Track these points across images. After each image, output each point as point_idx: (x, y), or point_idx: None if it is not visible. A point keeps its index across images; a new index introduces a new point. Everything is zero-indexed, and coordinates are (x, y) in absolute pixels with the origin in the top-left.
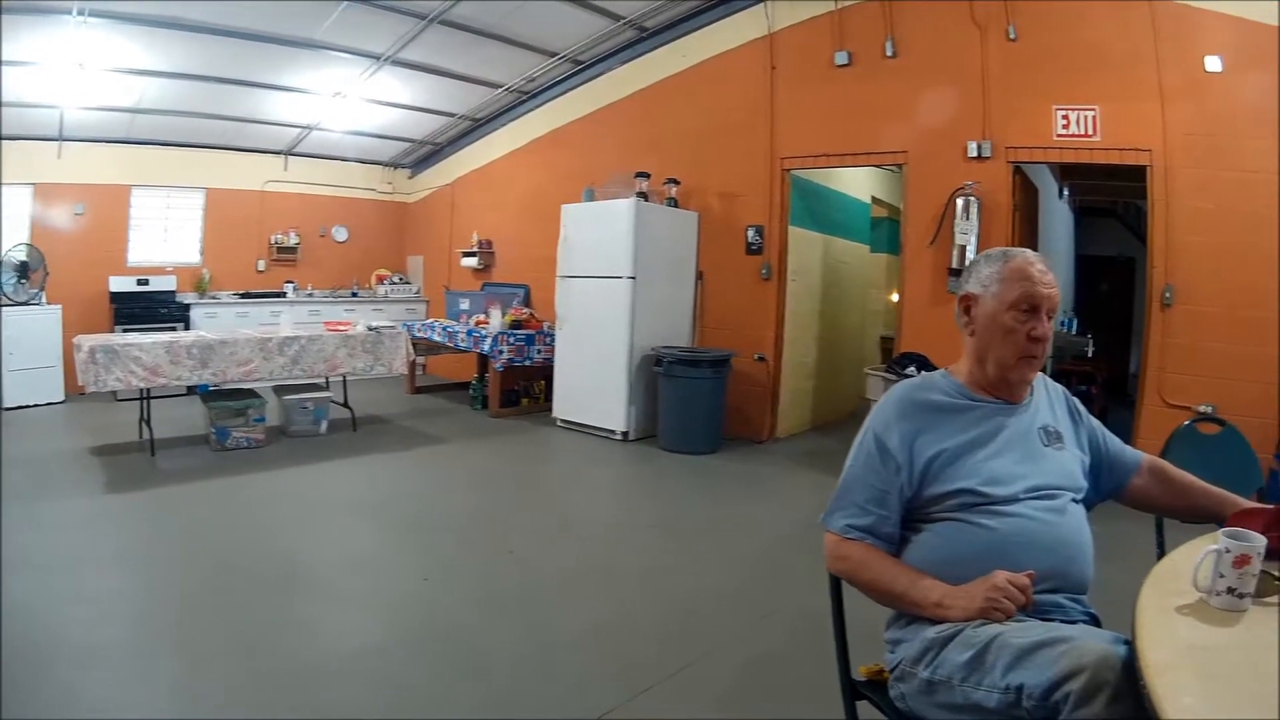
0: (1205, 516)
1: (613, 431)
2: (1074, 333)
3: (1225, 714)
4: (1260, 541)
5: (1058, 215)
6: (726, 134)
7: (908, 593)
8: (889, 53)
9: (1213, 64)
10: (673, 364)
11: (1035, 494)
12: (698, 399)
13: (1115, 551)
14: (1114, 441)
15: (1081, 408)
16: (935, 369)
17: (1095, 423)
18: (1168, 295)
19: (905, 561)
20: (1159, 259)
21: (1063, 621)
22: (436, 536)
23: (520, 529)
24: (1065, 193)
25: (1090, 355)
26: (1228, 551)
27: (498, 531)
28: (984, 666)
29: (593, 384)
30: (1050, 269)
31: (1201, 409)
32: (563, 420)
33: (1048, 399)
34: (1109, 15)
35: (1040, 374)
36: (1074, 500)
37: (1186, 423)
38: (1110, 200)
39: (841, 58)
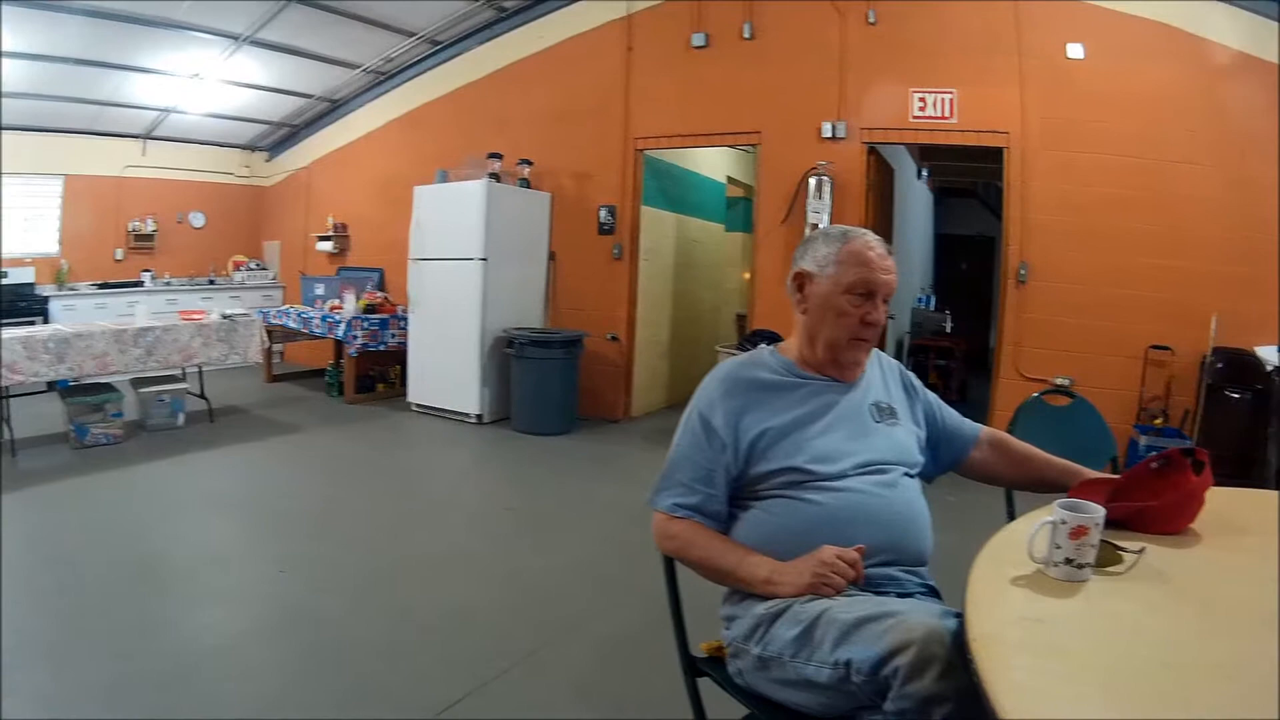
0: (1049, 487)
1: (467, 415)
2: (932, 309)
3: (1051, 685)
4: (1098, 513)
5: (916, 195)
6: (581, 115)
7: (737, 570)
8: (747, 35)
9: (1074, 51)
10: (524, 345)
11: (865, 469)
12: (550, 380)
13: (967, 522)
14: (951, 415)
15: (917, 382)
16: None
17: (931, 397)
18: (1023, 272)
19: (735, 539)
20: (1014, 237)
21: (898, 595)
22: (292, 527)
23: (373, 515)
24: (924, 173)
25: (949, 331)
26: (1063, 523)
27: (351, 519)
28: (813, 642)
29: (446, 367)
30: (890, 253)
31: (1059, 381)
32: (418, 405)
33: (881, 375)
34: (973, 4)
35: (875, 349)
36: (907, 474)
37: (1034, 395)
38: (971, 181)
39: (699, 39)
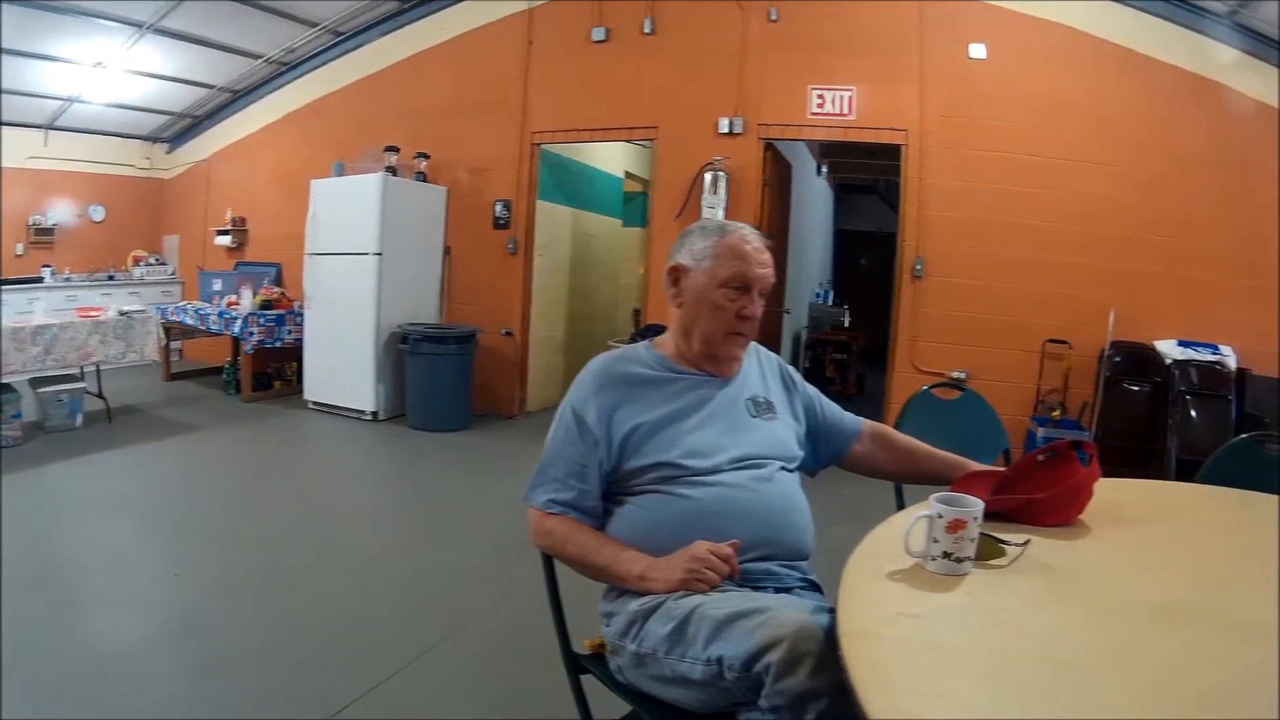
0: (934, 480)
1: (363, 412)
2: (830, 304)
3: (923, 681)
4: (976, 506)
5: (815, 191)
6: (480, 108)
7: (611, 566)
8: (648, 30)
9: (977, 51)
10: (418, 341)
11: (740, 464)
12: (445, 376)
13: (865, 515)
14: (832, 409)
15: (797, 377)
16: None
17: (812, 391)
18: (918, 267)
19: (610, 534)
20: (910, 233)
21: (776, 590)
22: (188, 529)
23: (268, 516)
24: (823, 170)
25: (847, 325)
26: (940, 517)
27: (247, 520)
28: (686, 638)
29: (342, 364)
30: (769, 247)
31: (955, 375)
32: (314, 402)
33: (759, 369)
34: (877, 3)
35: (754, 344)
36: (784, 469)
37: (923, 388)
38: (872, 178)
39: (599, 34)
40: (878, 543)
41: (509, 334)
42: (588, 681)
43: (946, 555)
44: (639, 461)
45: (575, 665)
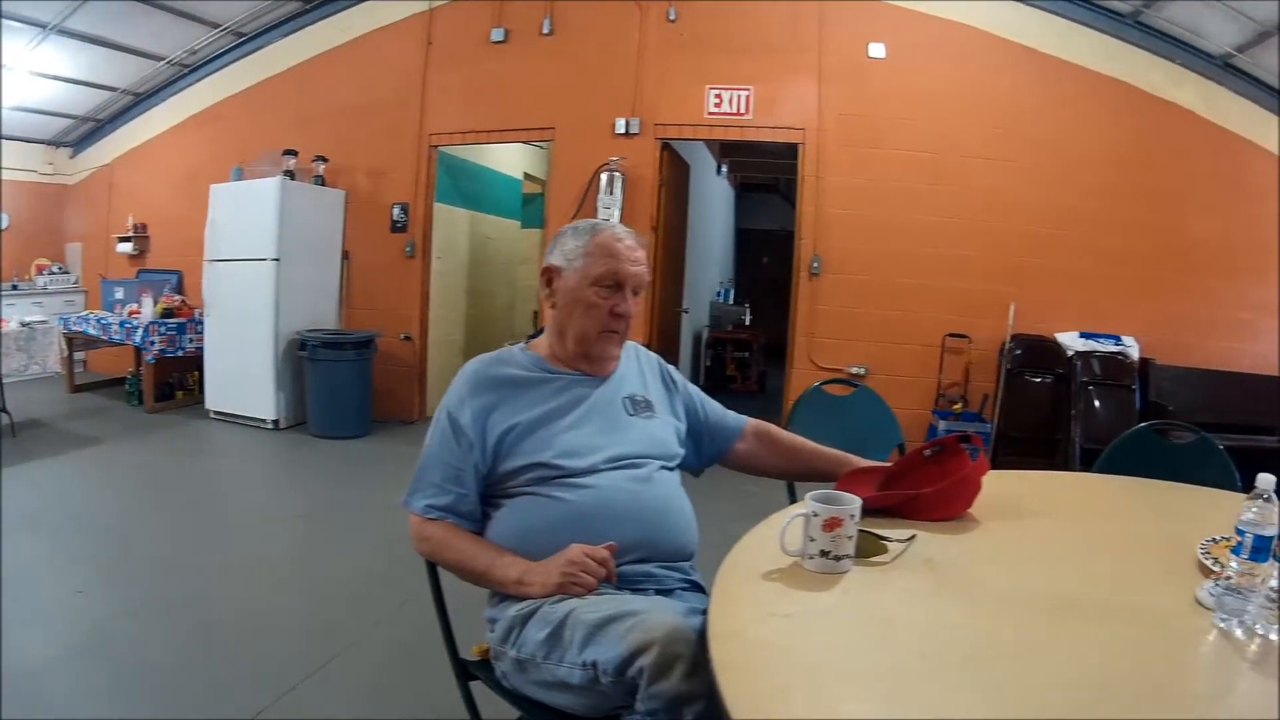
0: (819, 477)
1: (264, 420)
2: (731, 303)
3: (792, 682)
4: (853, 503)
5: (715, 191)
6: (378, 110)
7: (490, 571)
8: (546, 30)
9: (876, 50)
10: (317, 348)
11: (616, 464)
12: (344, 382)
13: (767, 513)
14: (714, 407)
15: (677, 375)
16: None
17: (693, 389)
18: (816, 265)
19: (489, 538)
20: (807, 230)
21: (657, 591)
22: (92, 544)
23: (171, 529)
24: (723, 169)
25: (748, 323)
26: (815, 515)
27: (149, 534)
28: (562, 643)
29: (242, 372)
30: (640, 245)
31: (853, 370)
32: (216, 412)
33: (638, 368)
34: (776, 3)
35: (633, 343)
36: (664, 468)
37: (814, 385)
38: (773, 177)
39: (498, 34)
40: (756, 542)
41: (408, 338)
42: (483, 687)
43: (824, 554)
44: (514, 463)
45: (464, 672)
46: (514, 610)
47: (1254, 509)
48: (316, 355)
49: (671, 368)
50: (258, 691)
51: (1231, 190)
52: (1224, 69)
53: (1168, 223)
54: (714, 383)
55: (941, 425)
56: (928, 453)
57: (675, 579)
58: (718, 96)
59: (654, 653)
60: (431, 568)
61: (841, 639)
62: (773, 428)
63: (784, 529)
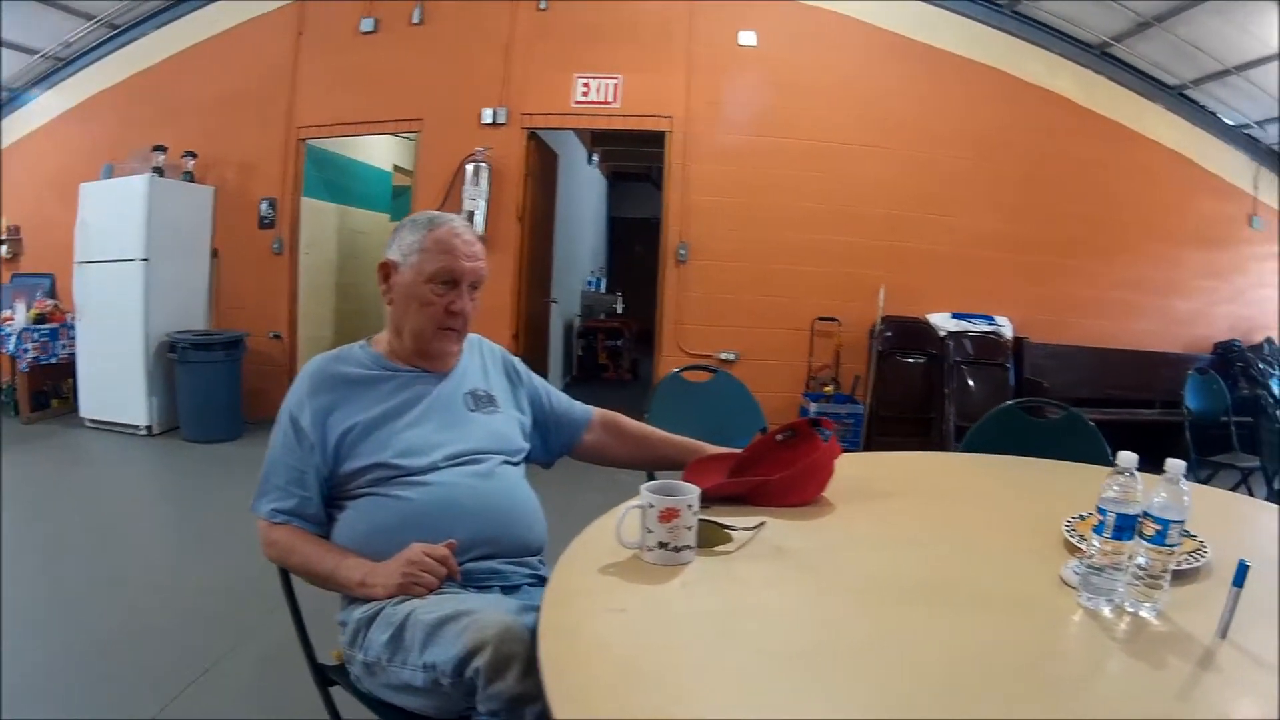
0: (669, 465)
1: (138, 426)
2: (603, 291)
3: (619, 681)
4: (690, 493)
5: (586, 180)
6: (247, 103)
7: (334, 574)
8: (416, 20)
9: (747, 38)
10: (186, 349)
11: (457, 460)
12: (214, 384)
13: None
14: (560, 399)
15: (521, 368)
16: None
17: (538, 381)
18: (682, 252)
19: (335, 540)
20: (674, 218)
21: (503, 588)
22: None
23: (42, 543)
24: (594, 158)
25: (620, 312)
26: (651, 506)
27: (19, 549)
28: (404, 645)
29: (115, 377)
30: (479, 239)
31: (723, 356)
32: (90, 419)
33: (481, 361)
34: None
35: (476, 336)
36: (507, 463)
37: (672, 372)
38: (645, 165)
39: (368, 24)
40: (596, 534)
41: (277, 337)
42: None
43: (663, 545)
44: (354, 464)
45: (323, 677)
46: (359, 613)
47: (1115, 486)
48: (186, 357)
49: (516, 360)
50: (136, 705)
51: (1107, 174)
52: (1101, 58)
53: (1043, 206)
54: (586, 372)
55: (813, 408)
56: (779, 437)
57: (522, 574)
58: (585, 85)
59: (488, 653)
60: (283, 573)
61: (677, 635)
62: (621, 417)
63: (620, 521)
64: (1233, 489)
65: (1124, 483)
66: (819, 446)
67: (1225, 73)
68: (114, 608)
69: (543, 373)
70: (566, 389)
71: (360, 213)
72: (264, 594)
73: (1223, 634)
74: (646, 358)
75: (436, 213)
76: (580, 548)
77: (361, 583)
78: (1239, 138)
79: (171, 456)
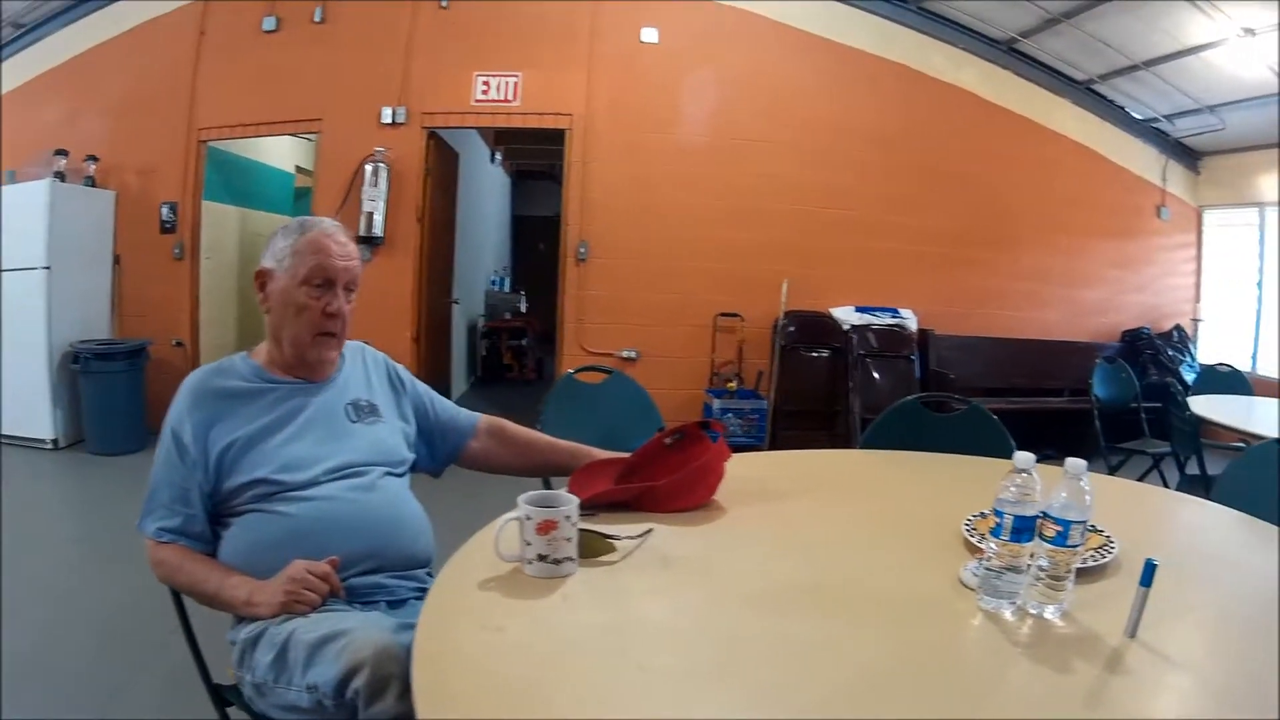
0: (558, 471)
1: (43, 441)
2: (507, 291)
3: (494, 704)
4: (568, 504)
5: (488, 178)
6: (149, 105)
7: (220, 594)
8: (318, 18)
9: (649, 35)
10: (89, 359)
11: (338, 474)
12: (117, 395)
13: None
14: (445, 406)
15: (405, 376)
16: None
17: (422, 389)
18: (582, 250)
19: (221, 559)
20: (574, 216)
21: (389, 603)
22: None
23: None
24: (497, 157)
25: (524, 311)
26: (529, 518)
27: None
28: (287, 666)
29: (18, 390)
30: (351, 239)
31: (625, 354)
32: None
33: (363, 370)
34: None
35: (359, 343)
36: (390, 474)
37: (566, 374)
38: (548, 164)
39: (269, 23)
40: (478, 548)
41: (179, 344)
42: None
43: (542, 558)
44: (236, 480)
45: (219, 698)
46: (245, 633)
47: (1013, 487)
48: (89, 368)
49: (400, 367)
50: None
51: (1014, 168)
52: (1009, 53)
53: (949, 199)
54: (490, 372)
55: (716, 404)
56: (668, 440)
57: (409, 588)
58: (485, 83)
59: (365, 674)
60: (174, 592)
61: (558, 653)
62: (506, 424)
63: (498, 534)
64: (1144, 475)
65: (1021, 483)
66: (708, 449)
67: (1134, 68)
68: (19, 630)
69: (446, 375)
70: (471, 390)
71: (262, 215)
72: (169, 612)
73: (1132, 633)
74: (551, 357)
75: (309, 217)
76: (459, 563)
77: (246, 602)
78: (1147, 131)
79: (77, 471)
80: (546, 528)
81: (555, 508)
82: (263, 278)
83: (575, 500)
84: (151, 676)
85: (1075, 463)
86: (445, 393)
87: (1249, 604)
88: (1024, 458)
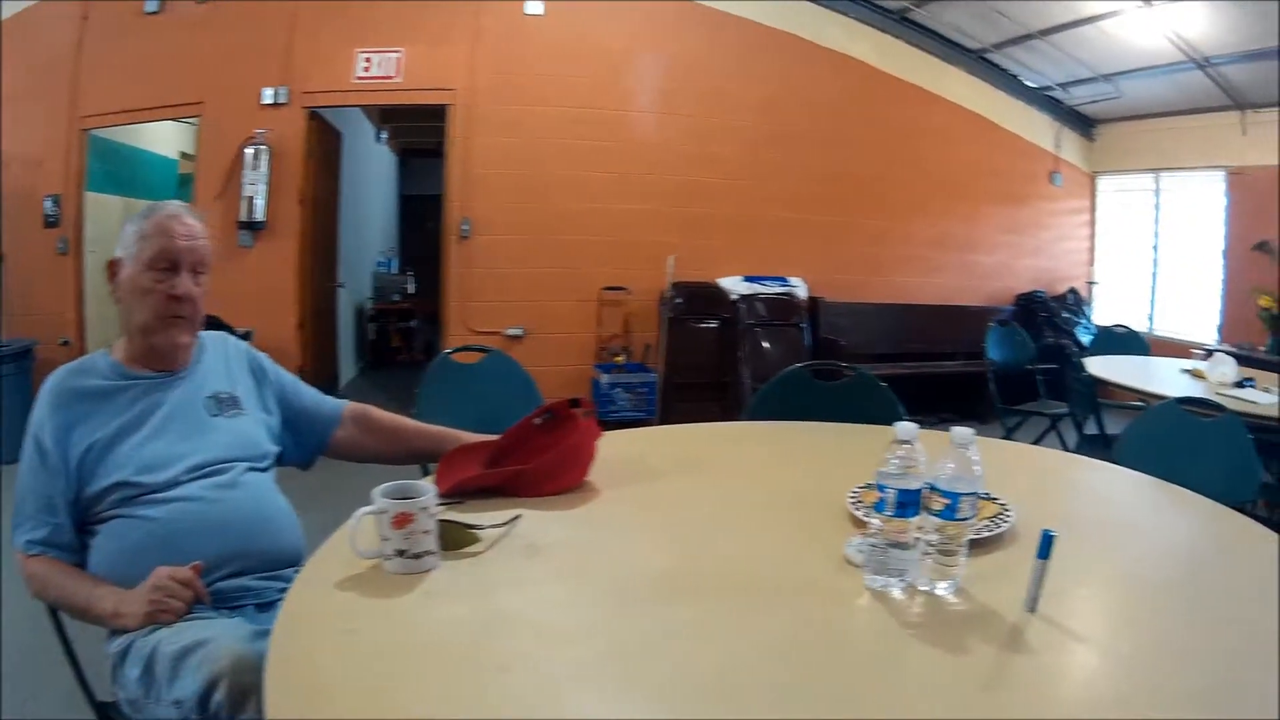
0: (428, 457)
1: None
2: (395, 272)
3: (339, 703)
4: (425, 494)
5: (375, 158)
6: (34, 95)
7: (89, 606)
8: None
9: (533, 8)
10: None
11: (199, 472)
12: (3, 399)
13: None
14: (310, 395)
15: (268, 364)
16: (231, 330)
17: (286, 377)
18: (465, 228)
19: (91, 569)
20: (456, 194)
21: (257, 606)
22: None
23: None
24: (383, 135)
25: (413, 293)
26: (384, 512)
27: None
28: (156, 681)
29: None
30: (200, 220)
31: (510, 332)
32: None
33: (224, 361)
34: None
35: (221, 333)
36: (253, 469)
37: (439, 355)
38: (436, 141)
39: (152, 5)
40: (335, 547)
41: (66, 343)
42: None
43: (401, 553)
44: (98, 485)
45: (103, 714)
46: (114, 647)
47: (895, 460)
48: None
49: (263, 356)
50: None
51: (906, 136)
52: (901, 23)
53: (841, 168)
54: (380, 357)
55: (605, 379)
56: (537, 420)
57: (277, 589)
58: (367, 60)
59: (225, 685)
60: (50, 608)
61: (412, 653)
62: (373, 410)
63: (353, 529)
64: (1042, 435)
65: (904, 454)
66: (578, 427)
67: (1029, 37)
68: None
69: (333, 361)
70: (360, 375)
71: (146, 204)
72: (68, 626)
73: (1031, 608)
74: (440, 338)
75: (157, 202)
76: (318, 562)
77: (114, 614)
78: (1041, 99)
79: None
80: (402, 521)
81: (410, 500)
82: (114, 268)
83: (432, 490)
84: (52, 696)
85: (962, 431)
86: (333, 379)
87: (1155, 568)
88: (906, 428)
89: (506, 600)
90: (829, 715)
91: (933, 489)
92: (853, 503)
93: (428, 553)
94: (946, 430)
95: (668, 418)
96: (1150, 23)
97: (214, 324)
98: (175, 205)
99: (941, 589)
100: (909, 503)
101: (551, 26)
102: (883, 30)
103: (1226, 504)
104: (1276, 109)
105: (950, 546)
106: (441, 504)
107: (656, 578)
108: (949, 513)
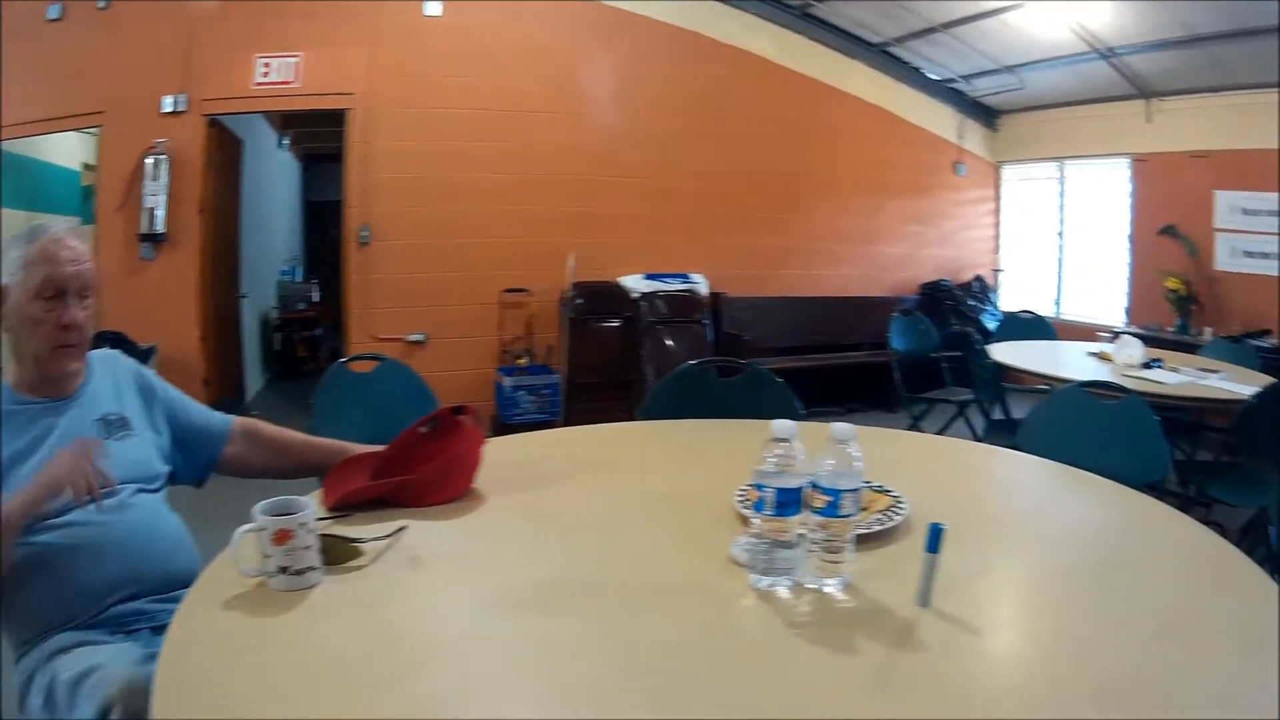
0: (314, 471)
1: None
2: (299, 280)
3: None
4: (304, 510)
5: (277, 165)
6: None
7: (12, 515)
8: (102, 4)
9: (432, 9)
10: None
11: None
12: None
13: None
14: (199, 412)
15: (156, 382)
16: (134, 345)
17: (174, 394)
18: (364, 234)
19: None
20: (355, 199)
21: (152, 630)
22: None
23: None
24: (285, 141)
25: (318, 300)
26: (265, 529)
27: None
28: (57, 707)
29: None
30: (83, 241)
31: (412, 338)
32: None
33: (113, 381)
34: None
35: (111, 352)
36: (145, 490)
37: (334, 364)
38: (338, 146)
39: (54, 11)
40: (223, 566)
41: None
42: None
43: (283, 570)
44: None
45: None
46: (16, 677)
47: (772, 458)
48: None
49: (151, 373)
50: None
51: (808, 130)
52: (802, 18)
53: (741, 164)
54: (286, 366)
55: (508, 381)
56: (423, 429)
57: (172, 612)
58: (266, 65)
59: (118, 711)
60: None
61: (294, 673)
62: (261, 424)
63: (236, 547)
64: (949, 422)
65: (782, 453)
66: (466, 435)
67: (931, 30)
68: None
69: (239, 372)
70: (267, 386)
71: (50, 218)
72: None
73: (924, 602)
74: (346, 346)
75: (40, 224)
76: (206, 582)
77: (41, 488)
78: (944, 91)
79: None
80: (283, 537)
81: (290, 515)
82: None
83: (312, 506)
84: None
85: (841, 428)
86: (239, 391)
87: (1056, 556)
88: (783, 426)
89: (391, 613)
90: (712, 717)
91: (815, 486)
92: (740, 501)
93: (310, 568)
94: (842, 419)
95: (571, 419)
96: (1053, 15)
97: (117, 341)
98: (59, 228)
99: (829, 586)
100: (789, 501)
101: (450, 27)
102: (783, 26)
103: (1136, 486)
104: (1180, 97)
105: (836, 543)
106: (327, 518)
107: (541, 585)
108: (831, 510)
